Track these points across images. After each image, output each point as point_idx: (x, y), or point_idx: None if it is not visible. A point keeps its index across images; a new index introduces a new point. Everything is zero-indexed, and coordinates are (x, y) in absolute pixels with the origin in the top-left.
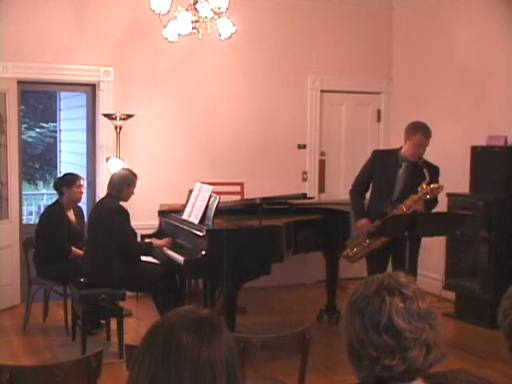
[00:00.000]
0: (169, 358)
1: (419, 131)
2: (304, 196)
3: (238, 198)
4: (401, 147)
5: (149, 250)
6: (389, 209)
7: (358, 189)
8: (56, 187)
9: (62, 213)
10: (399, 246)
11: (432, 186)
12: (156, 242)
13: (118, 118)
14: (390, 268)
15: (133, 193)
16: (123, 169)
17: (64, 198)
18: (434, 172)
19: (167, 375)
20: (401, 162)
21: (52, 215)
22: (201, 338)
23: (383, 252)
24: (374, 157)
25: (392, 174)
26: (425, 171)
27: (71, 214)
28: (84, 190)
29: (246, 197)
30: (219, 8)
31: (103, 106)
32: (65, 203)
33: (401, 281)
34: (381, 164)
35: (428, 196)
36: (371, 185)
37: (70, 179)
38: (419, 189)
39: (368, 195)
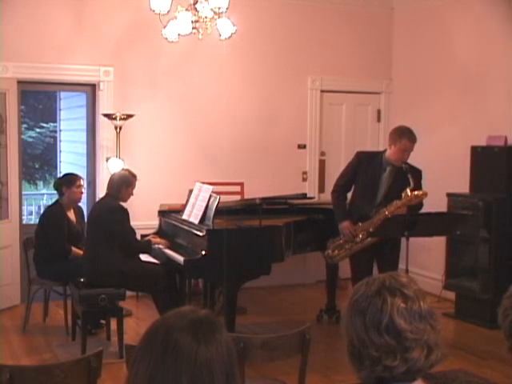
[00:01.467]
0: (167, 359)
1: (405, 137)
2: (304, 196)
3: (238, 197)
4: (385, 150)
5: (148, 247)
6: (372, 213)
7: (341, 190)
8: (56, 187)
9: (62, 213)
10: (382, 248)
11: (416, 192)
12: (155, 239)
13: (118, 118)
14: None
15: (132, 193)
16: (122, 169)
17: (64, 198)
18: (418, 176)
19: (165, 376)
20: (385, 165)
21: (52, 215)
22: (198, 339)
23: (367, 255)
24: (358, 158)
25: (376, 177)
26: (409, 177)
27: (71, 214)
28: (84, 190)
29: (246, 197)
30: (219, 8)
31: (103, 106)
32: (65, 203)
33: (402, 281)
34: (365, 166)
35: (411, 202)
36: (353, 186)
37: (70, 179)
38: (403, 195)
39: (350, 195)
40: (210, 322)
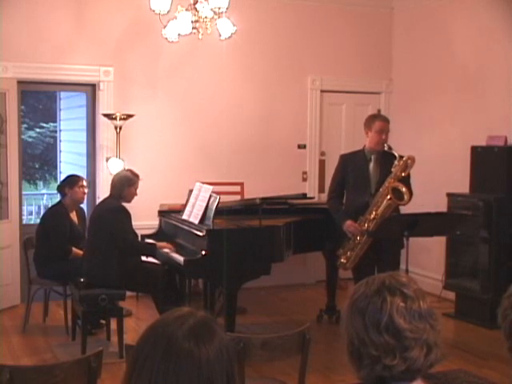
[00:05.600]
0: (170, 367)
1: (377, 118)
2: (304, 196)
3: (238, 198)
4: (364, 146)
5: (151, 251)
6: (370, 201)
7: (334, 195)
8: (59, 190)
9: (65, 213)
10: (383, 248)
11: (404, 158)
12: (160, 243)
13: (118, 118)
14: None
15: (135, 193)
16: (124, 169)
17: (67, 198)
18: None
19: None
20: (369, 155)
21: (55, 215)
22: (199, 344)
23: (369, 256)
24: (342, 161)
25: (364, 171)
26: (393, 152)
27: (73, 216)
28: (86, 191)
29: (246, 197)
30: (219, 8)
31: (103, 106)
32: (68, 204)
33: (402, 280)
34: (351, 165)
35: (403, 173)
36: (346, 189)
37: (72, 180)
38: (392, 169)
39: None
40: (209, 324)
